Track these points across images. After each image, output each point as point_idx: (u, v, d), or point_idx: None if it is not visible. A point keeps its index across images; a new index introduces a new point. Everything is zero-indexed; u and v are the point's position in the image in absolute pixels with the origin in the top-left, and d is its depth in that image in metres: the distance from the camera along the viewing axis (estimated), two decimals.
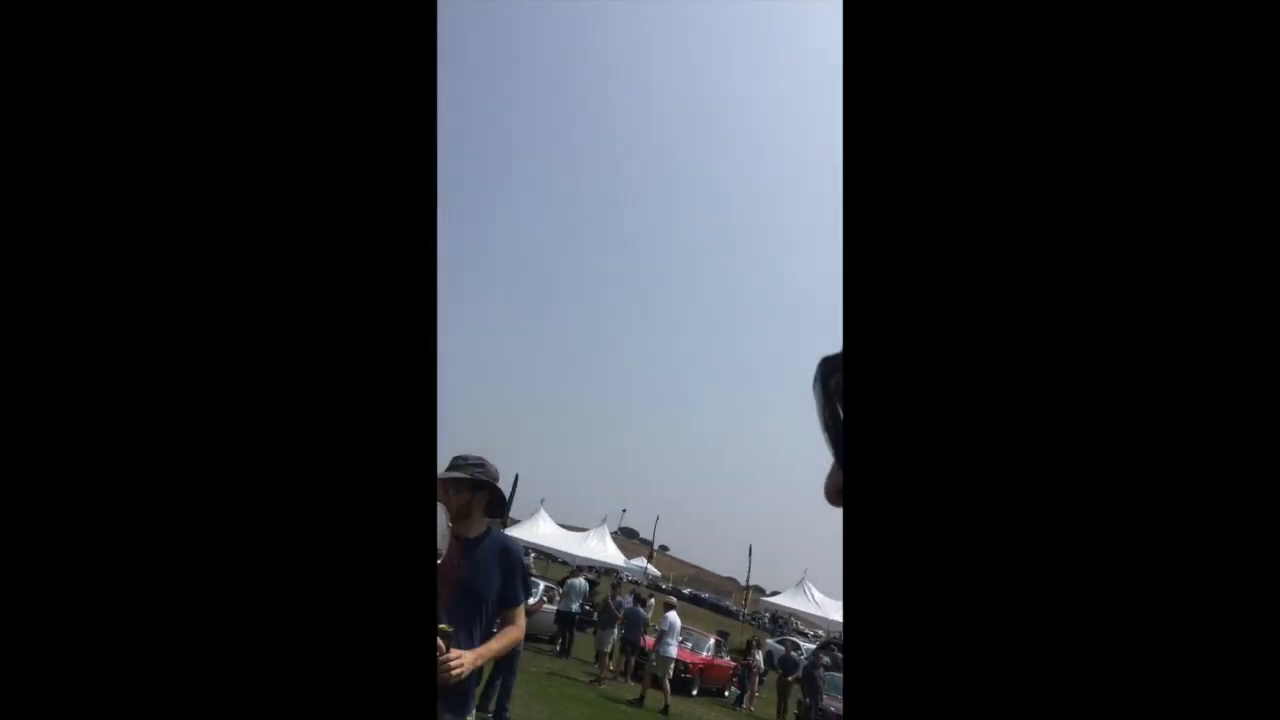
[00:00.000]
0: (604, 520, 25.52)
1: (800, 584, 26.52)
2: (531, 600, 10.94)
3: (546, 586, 15.03)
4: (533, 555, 21.29)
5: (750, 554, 26.17)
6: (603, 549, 24.13)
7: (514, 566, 2.49)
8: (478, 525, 2.51)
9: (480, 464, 2.56)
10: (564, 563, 22.98)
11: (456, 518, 2.48)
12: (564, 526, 26.66)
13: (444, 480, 2.46)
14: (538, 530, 25.27)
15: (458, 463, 2.57)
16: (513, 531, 25.25)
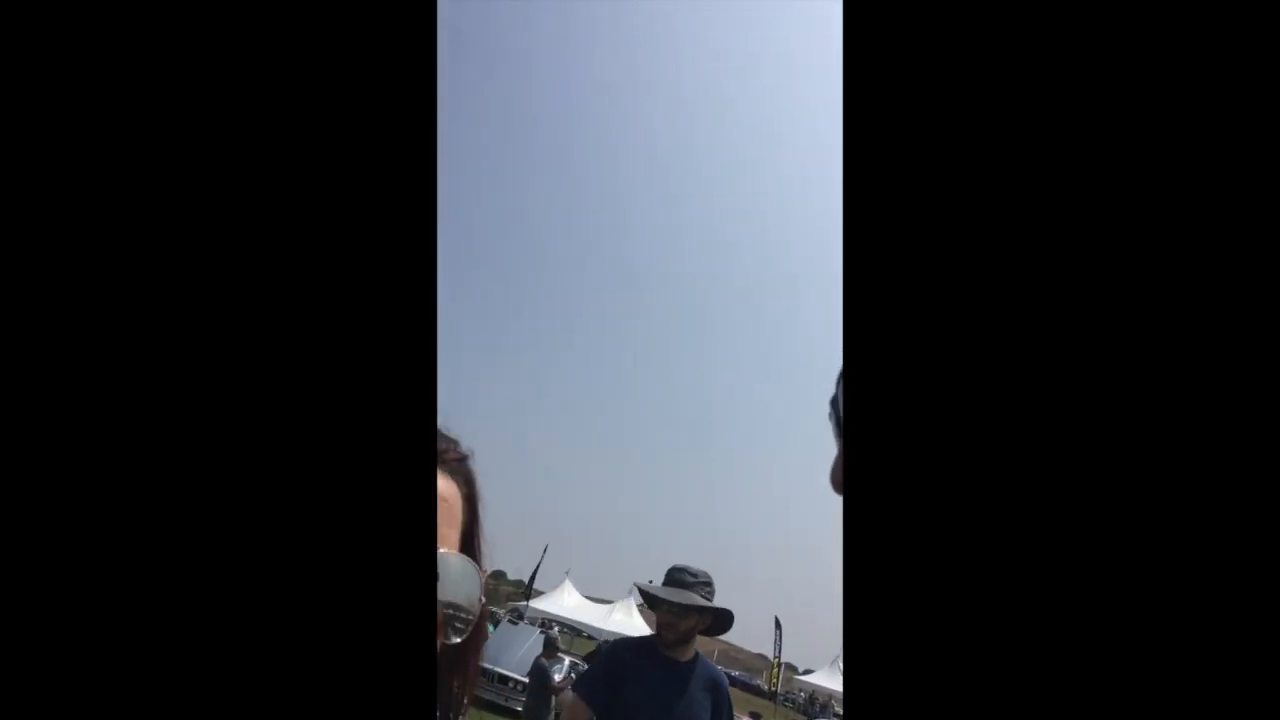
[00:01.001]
0: (631, 591, 24.99)
1: (834, 662, 25.41)
2: (558, 677, 10.59)
3: (572, 663, 14.58)
4: (557, 629, 20.76)
5: (779, 628, 25.18)
6: (629, 622, 23.51)
7: (723, 702, 2.37)
8: (690, 649, 2.39)
9: (707, 582, 2.42)
10: (589, 636, 22.37)
11: (673, 641, 2.35)
12: (589, 599, 26.11)
13: (669, 601, 2.33)
14: (562, 602, 24.78)
15: (683, 578, 2.41)
16: (538, 604, 24.76)
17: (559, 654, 14.28)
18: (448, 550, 0.58)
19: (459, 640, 0.57)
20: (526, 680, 14.50)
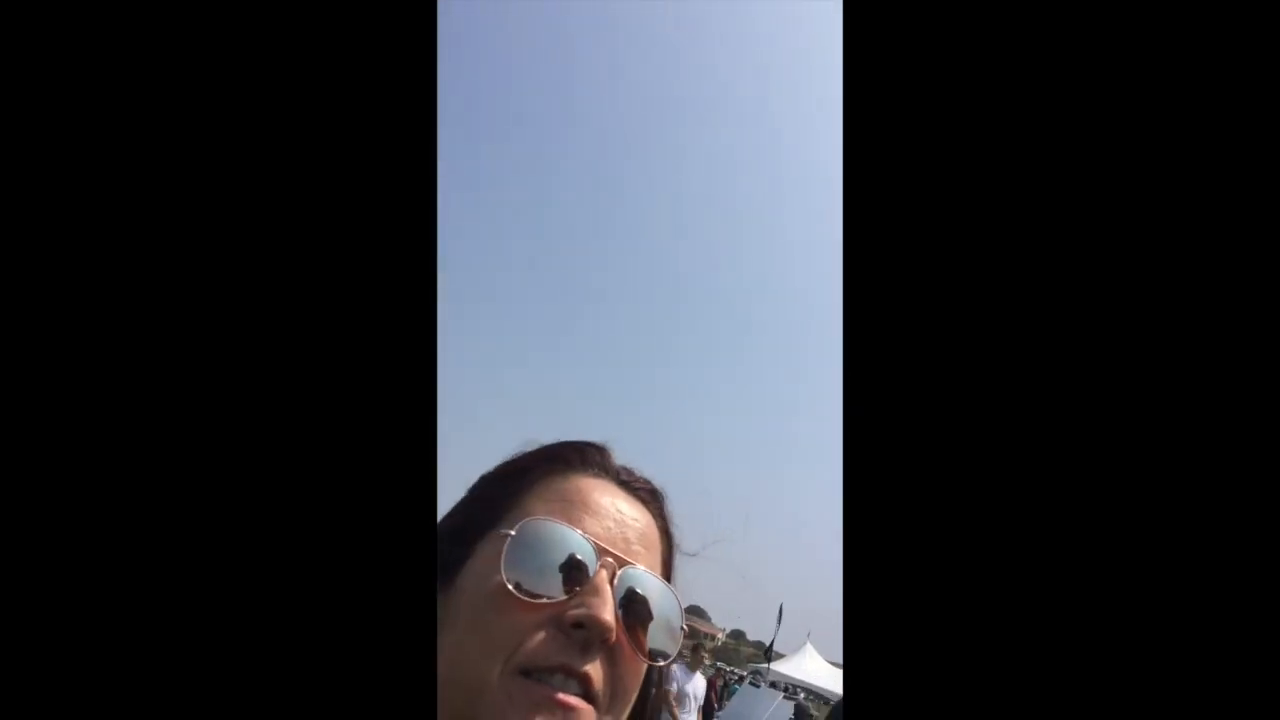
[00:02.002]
0: None
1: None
2: None
3: None
4: (802, 694, 19.82)
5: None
6: None
7: None
8: None
9: None
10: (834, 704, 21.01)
11: None
12: (832, 664, 24.66)
13: None
14: (804, 666, 23.65)
15: None
16: (779, 667, 23.70)
17: None
18: (648, 571, 0.57)
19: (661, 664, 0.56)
20: None
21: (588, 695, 0.51)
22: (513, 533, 0.53)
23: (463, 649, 0.51)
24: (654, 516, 0.64)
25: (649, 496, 0.65)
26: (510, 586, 0.51)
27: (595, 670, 0.52)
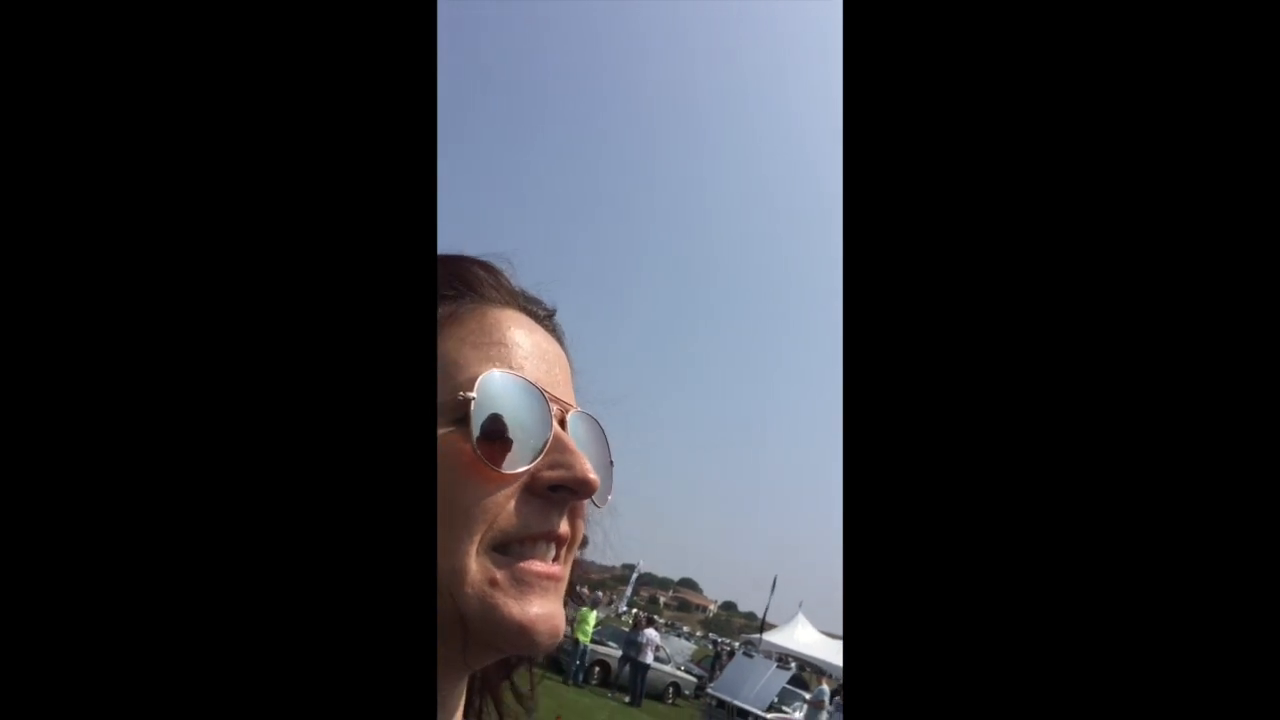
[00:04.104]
0: None
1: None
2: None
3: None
4: (794, 664, 20.04)
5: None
6: None
7: None
8: None
9: None
10: (829, 675, 21.28)
11: None
12: (825, 634, 24.97)
13: None
14: (796, 636, 23.95)
15: None
16: (771, 637, 24.12)
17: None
18: (582, 413, 0.54)
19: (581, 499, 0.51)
20: (767, 716, 14.19)
21: (568, 550, 0.51)
22: (474, 395, 0.46)
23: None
24: (559, 343, 0.57)
25: (550, 323, 0.58)
26: (480, 455, 0.45)
27: (566, 528, 0.50)
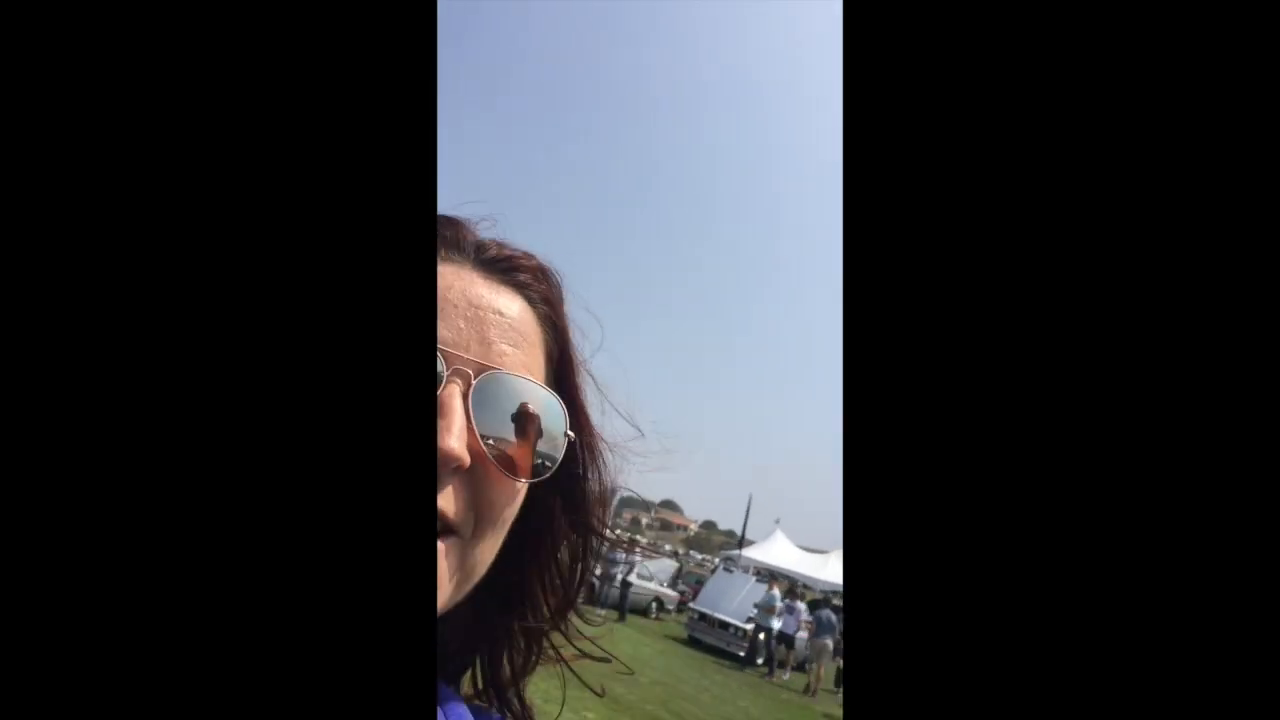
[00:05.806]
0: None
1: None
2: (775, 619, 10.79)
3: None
4: (770, 577, 20.90)
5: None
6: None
7: None
8: None
9: None
10: (807, 587, 22.26)
11: None
12: (803, 549, 25.96)
13: None
14: (773, 552, 24.88)
15: None
16: (750, 553, 25.04)
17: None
18: (523, 376, 0.50)
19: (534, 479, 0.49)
20: (746, 626, 14.87)
21: (445, 529, 0.47)
22: None
23: None
24: (532, 303, 0.53)
25: (530, 279, 0.54)
26: None
27: (449, 501, 0.46)
